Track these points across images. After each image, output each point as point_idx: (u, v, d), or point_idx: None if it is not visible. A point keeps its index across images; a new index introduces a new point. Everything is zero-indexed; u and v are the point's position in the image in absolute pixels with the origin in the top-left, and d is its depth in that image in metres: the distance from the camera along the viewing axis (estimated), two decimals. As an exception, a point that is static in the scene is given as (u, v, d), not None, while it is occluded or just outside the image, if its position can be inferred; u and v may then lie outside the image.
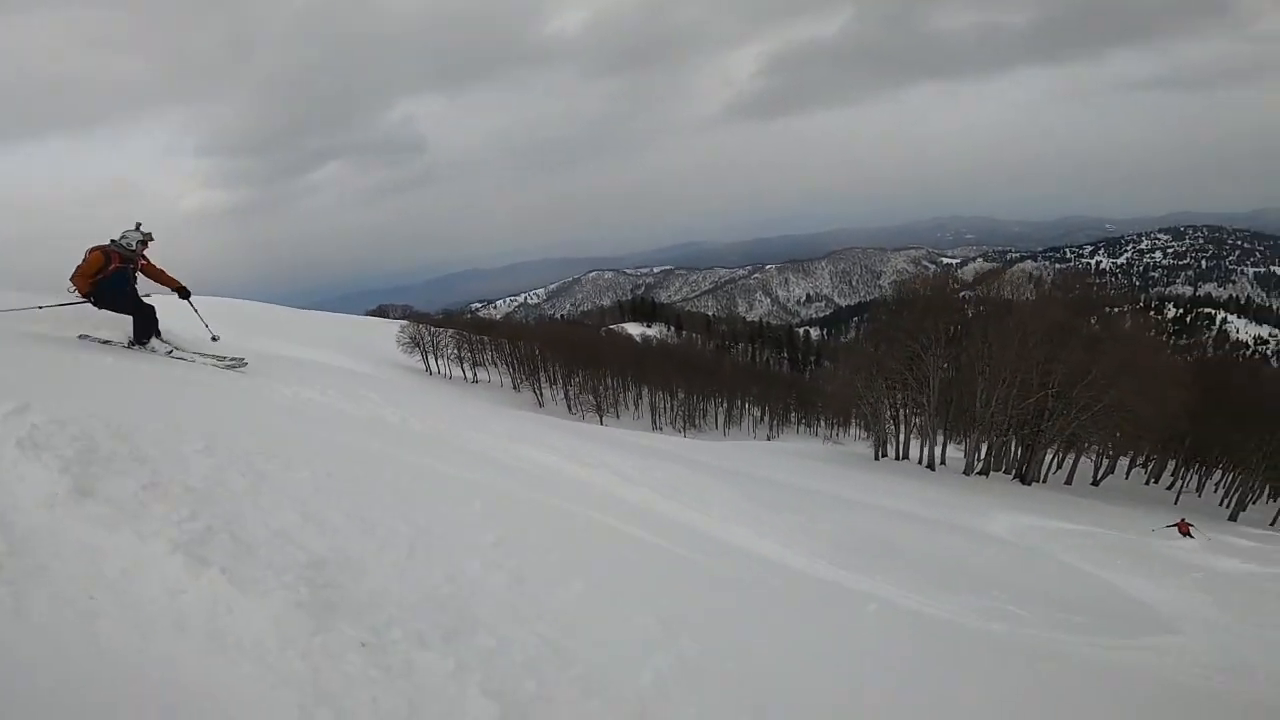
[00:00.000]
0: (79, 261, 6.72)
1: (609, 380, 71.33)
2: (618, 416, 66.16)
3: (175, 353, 7.17)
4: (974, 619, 5.71)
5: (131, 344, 6.98)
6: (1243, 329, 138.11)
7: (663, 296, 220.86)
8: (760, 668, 2.82)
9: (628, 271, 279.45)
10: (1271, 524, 30.92)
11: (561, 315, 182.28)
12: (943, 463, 30.21)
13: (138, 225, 7.07)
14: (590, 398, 65.80)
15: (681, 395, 68.44)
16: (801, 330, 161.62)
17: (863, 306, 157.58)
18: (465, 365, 70.32)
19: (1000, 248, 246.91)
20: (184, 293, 7.61)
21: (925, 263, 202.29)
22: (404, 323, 75.95)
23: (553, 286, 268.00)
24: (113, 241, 6.90)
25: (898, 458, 31.20)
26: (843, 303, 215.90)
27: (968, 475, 28.32)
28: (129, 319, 7.03)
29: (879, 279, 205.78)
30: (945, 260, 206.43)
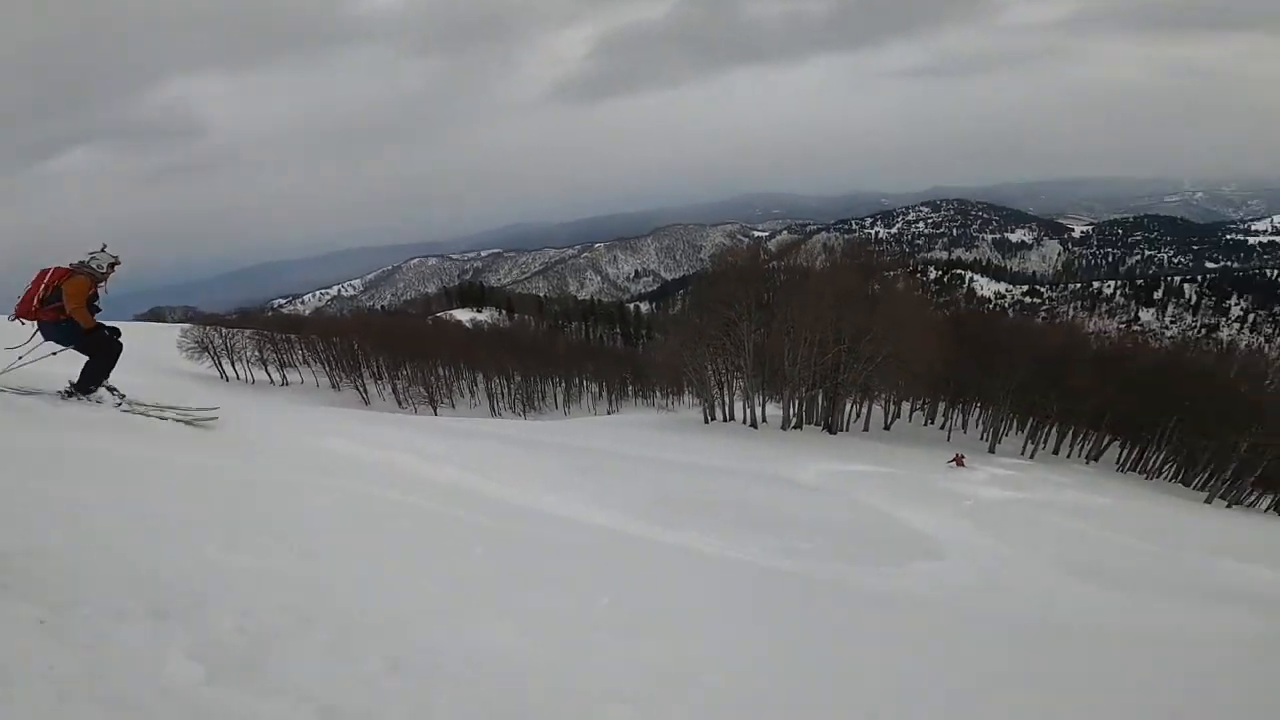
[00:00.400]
0: (30, 287, 5.51)
1: (440, 370, 68.21)
2: (453, 406, 63.59)
3: (127, 406, 5.83)
4: (767, 557, 6.41)
5: (71, 393, 5.65)
6: (985, 286, 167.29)
7: (492, 280, 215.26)
8: (537, 612, 2.99)
9: (453, 257, 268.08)
10: (1021, 453, 37.44)
11: (382, 306, 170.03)
12: (764, 420, 32.98)
13: (104, 246, 5.83)
14: (421, 390, 62.36)
15: (518, 378, 67.43)
16: (632, 305, 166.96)
17: (687, 279, 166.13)
18: (270, 367, 62.92)
19: (801, 221, 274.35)
20: None
21: (740, 236, 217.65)
22: (186, 326, 65.76)
23: (370, 277, 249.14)
24: (82, 264, 5.65)
25: (725, 420, 33.53)
26: (669, 277, 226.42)
27: (785, 430, 31.25)
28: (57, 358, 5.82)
29: (700, 253, 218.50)
30: (756, 234, 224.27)
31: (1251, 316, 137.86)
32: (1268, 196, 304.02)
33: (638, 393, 75.40)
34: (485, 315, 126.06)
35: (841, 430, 33.57)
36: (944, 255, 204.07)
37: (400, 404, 59.97)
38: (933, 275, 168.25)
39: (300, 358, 69.89)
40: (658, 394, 72.52)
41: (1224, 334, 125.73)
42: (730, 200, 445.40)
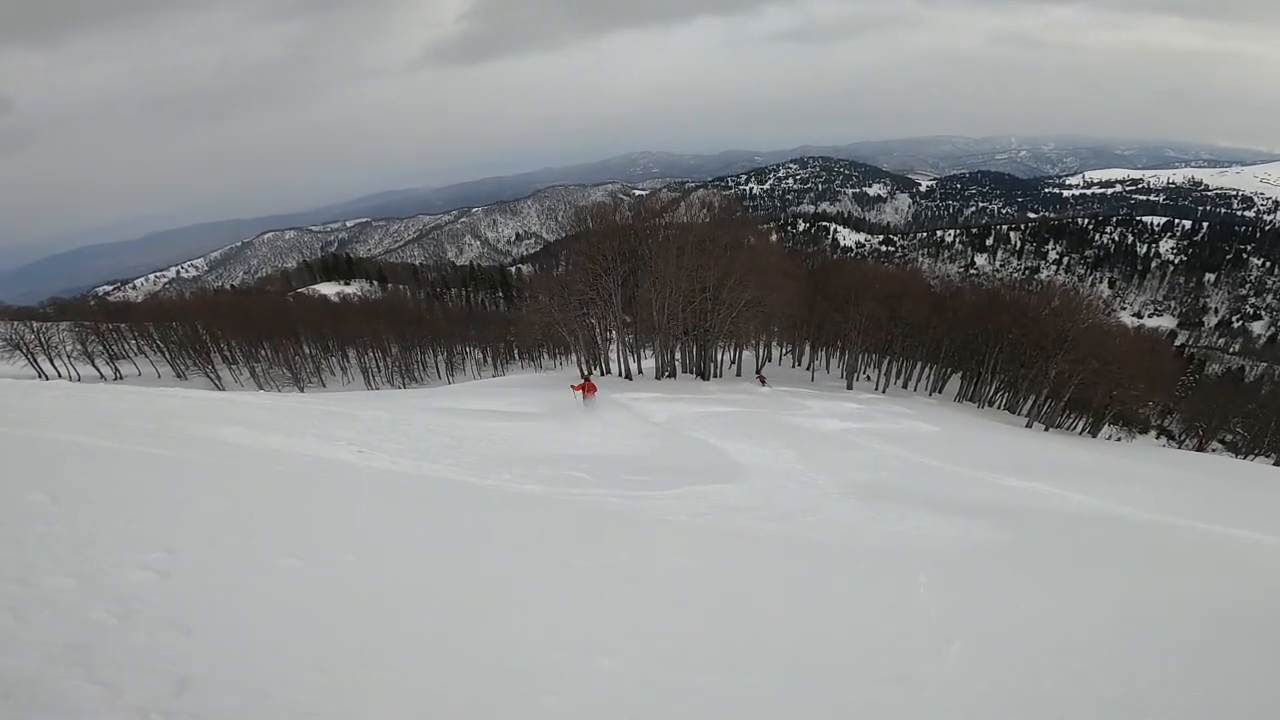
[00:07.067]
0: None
1: (306, 348, 63.68)
2: (324, 385, 59.80)
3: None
4: (517, 484, 7.10)
5: None
6: (847, 236, 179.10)
7: (361, 251, 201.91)
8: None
9: (314, 229, 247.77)
10: (875, 388, 40.31)
11: (232, 285, 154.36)
12: (639, 371, 33.82)
13: None
14: (284, 370, 58.05)
15: (395, 350, 64.46)
16: (514, 268, 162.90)
17: (570, 240, 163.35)
18: (98, 361, 55.85)
19: (679, 179, 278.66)
20: None
21: (620, 195, 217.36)
22: (-11, 323, 56.73)
23: (215, 255, 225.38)
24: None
25: (602, 374, 34.06)
26: (551, 238, 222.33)
27: (659, 379, 32.26)
28: None
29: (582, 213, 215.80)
30: (637, 192, 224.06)
31: (1066, 260, 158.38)
32: (1080, 154, 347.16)
33: (523, 355, 74.50)
34: (354, 288, 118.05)
35: (715, 376, 35.05)
36: (811, 209, 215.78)
37: (261, 387, 55.55)
38: (801, 227, 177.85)
39: (134, 348, 62.65)
40: (544, 355, 72.06)
41: (1043, 275, 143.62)
42: (611, 160, 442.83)
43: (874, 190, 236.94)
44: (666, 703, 3.02)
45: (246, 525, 4.09)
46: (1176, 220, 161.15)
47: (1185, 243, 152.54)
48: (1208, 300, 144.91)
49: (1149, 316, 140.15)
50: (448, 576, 4.07)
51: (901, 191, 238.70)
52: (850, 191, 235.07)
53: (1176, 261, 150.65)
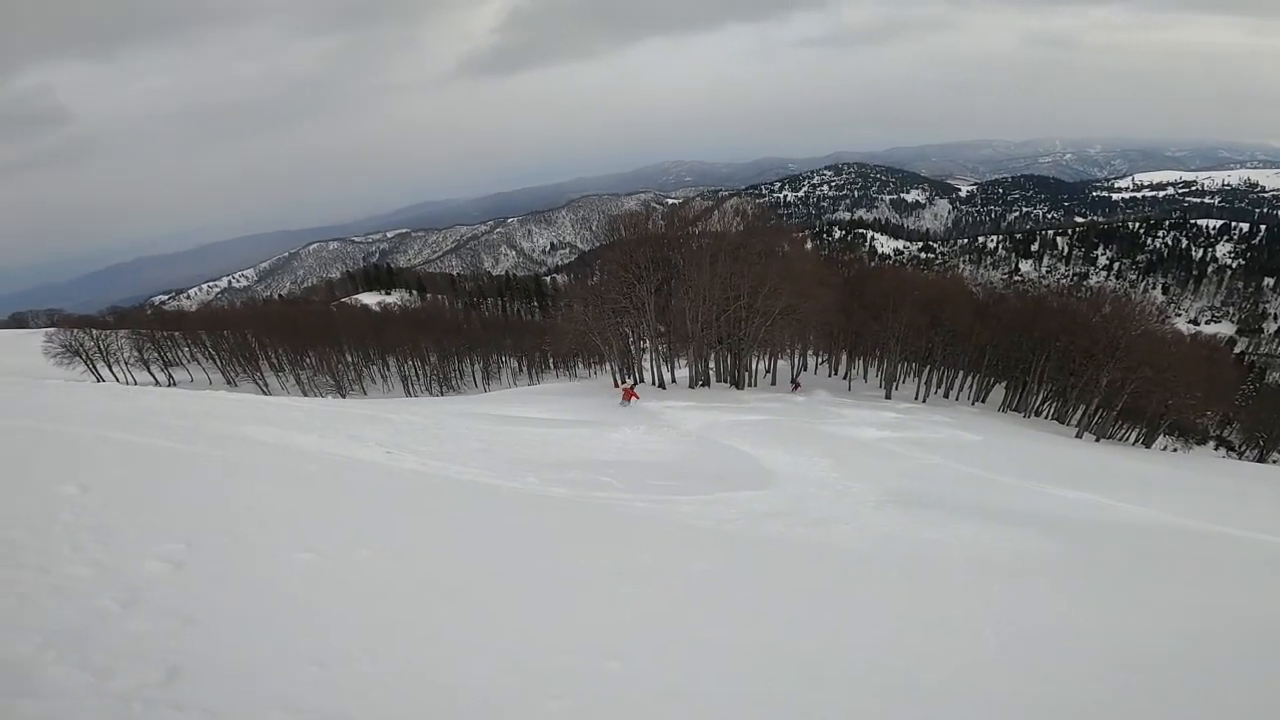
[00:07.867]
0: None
1: (348, 356, 65.41)
2: (364, 392, 61.21)
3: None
4: (546, 487, 6.96)
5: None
6: (885, 244, 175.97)
7: (401, 261, 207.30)
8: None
9: (356, 239, 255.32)
10: (915, 398, 39.22)
11: (280, 295, 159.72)
12: (673, 380, 33.62)
13: None
14: (328, 377, 59.70)
15: (434, 359, 65.69)
16: (549, 278, 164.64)
17: (604, 249, 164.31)
18: (153, 367, 58.37)
19: (713, 187, 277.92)
20: None
21: (654, 204, 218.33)
22: (52, 330, 59.91)
23: (265, 265, 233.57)
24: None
25: (636, 382, 33.99)
26: (585, 248, 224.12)
27: (692, 388, 32.01)
28: None
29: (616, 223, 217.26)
30: (670, 201, 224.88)
31: (1116, 265, 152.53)
32: (1129, 157, 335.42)
33: (558, 364, 74.98)
34: (395, 298, 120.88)
35: (750, 385, 34.64)
36: (847, 216, 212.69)
37: (305, 394, 57.19)
38: (837, 235, 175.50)
39: (188, 355, 65.32)
40: (579, 364, 72.43)
41: (1093, 280, 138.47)
42: (644, 169, 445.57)
43: (912, 196, 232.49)
44: (670, 707, 2.93)
45: (267, 520, 4.13)
46: (1233, 223, 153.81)
47: (1243, 246, 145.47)
48: (1267, 306, 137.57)
49: (1206, 323, 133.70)
50: (464, 576, 4.06)
51: (940, 197, 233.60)
52: (887, 198, 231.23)
53: (1234, 266, 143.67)
